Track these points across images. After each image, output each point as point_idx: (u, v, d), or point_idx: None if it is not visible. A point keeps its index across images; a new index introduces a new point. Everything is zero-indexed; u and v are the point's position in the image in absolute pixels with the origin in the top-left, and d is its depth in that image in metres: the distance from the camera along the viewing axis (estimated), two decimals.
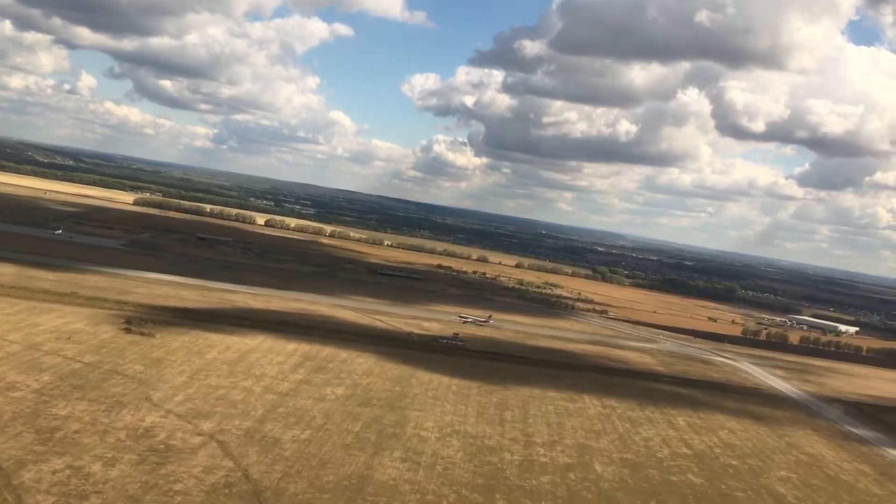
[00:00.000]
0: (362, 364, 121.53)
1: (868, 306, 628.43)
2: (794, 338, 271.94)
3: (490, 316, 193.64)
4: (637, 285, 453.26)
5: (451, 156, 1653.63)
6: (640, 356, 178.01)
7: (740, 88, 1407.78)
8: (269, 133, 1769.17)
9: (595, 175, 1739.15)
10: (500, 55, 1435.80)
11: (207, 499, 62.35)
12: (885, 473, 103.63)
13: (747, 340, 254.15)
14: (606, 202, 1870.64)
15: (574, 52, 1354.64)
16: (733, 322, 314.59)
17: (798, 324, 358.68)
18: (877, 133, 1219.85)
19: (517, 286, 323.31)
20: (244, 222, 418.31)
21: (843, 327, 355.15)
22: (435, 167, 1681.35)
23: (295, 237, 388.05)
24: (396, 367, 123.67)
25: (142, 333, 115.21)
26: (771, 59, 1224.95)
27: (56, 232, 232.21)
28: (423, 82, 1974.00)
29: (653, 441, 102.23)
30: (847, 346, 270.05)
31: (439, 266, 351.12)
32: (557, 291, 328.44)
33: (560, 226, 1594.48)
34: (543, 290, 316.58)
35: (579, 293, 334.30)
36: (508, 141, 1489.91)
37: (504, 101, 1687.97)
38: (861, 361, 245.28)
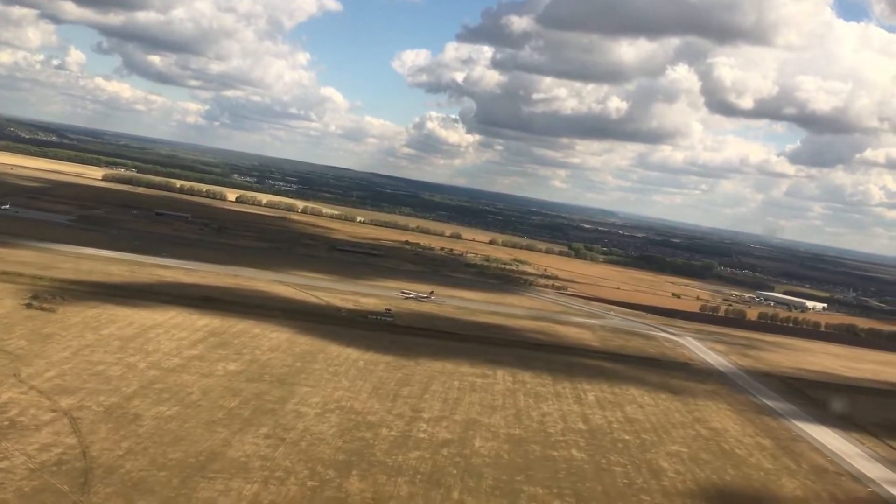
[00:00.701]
0: (273, 339, 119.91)
1: (848, 283, 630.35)
2: (752, 314, 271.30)
3: (432, 292, 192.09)
4: (611, 262, 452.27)
5: (443, 133, 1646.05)
6: (580, 332, 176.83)
7: (729, 65, 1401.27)
8: (261, 109, 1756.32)
9: (587, 152, 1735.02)
10: (488, 31, 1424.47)
11: (30, 476, 60.78)
12: (785, 447, 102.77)
13: (704, 316, 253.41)
14: (600, 179, 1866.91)
15: (562, 27, 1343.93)
16: (698, 298, 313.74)
17: (766, 300, 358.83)
18: (865, 110, 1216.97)
19: (482, 262, 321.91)
20: (214, 198, 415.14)
21: (810, 304, 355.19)
22: (428, 144, 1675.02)
23: (264, 213, 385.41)
24: (309, 342, 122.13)
25: (42, 308, 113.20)
26: (758, 35, 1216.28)
27: (3, 207, 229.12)
28: (413, 58, 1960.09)
29: (551, 416, 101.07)
30: (806, 321, 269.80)
31: (407, 242, 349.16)
32: (523, 268, 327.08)
33: (553, 203, 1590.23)
34: (507, 267, 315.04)
35: (545, 269, 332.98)
36: (500, 118, 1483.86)
37: (494, 78, 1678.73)
38: (816, 337, 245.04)
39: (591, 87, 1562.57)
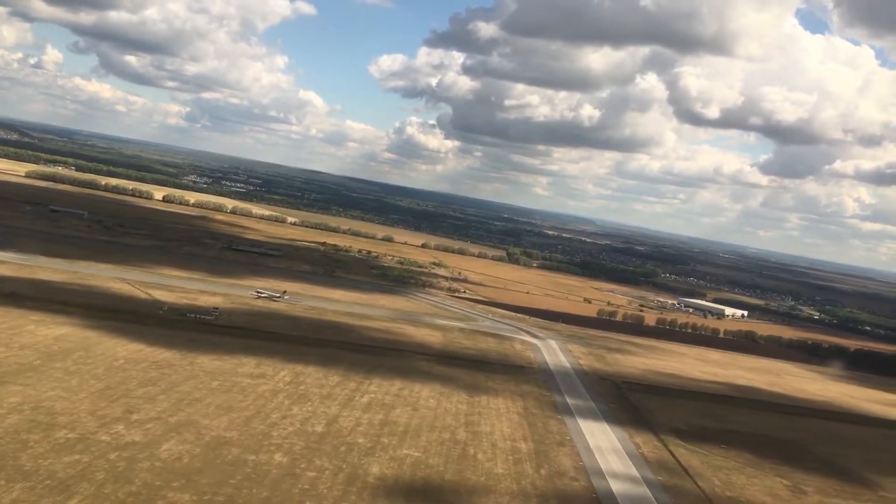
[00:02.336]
0: (40, 335, 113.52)
1: (799, 292, 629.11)
2: (651, 319, 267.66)
3: (285, 291, 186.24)
4: (545, 267, 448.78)
5: (423, 138, 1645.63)
6: (430, 333, 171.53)
7: (695, 74, 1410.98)
8: (241, 112, 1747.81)
9: (565, 160, 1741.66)
10: (457, 36, 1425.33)
11: None
12: (541, 451, 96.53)
13: (598, 321, 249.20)
14: (580, 187, 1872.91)
15: (527, 34, 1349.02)
16: (609, 303, 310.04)
17: (686, 306, 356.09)
18: (830, 121, 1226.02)
19: (395, 265, 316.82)
20: (141, 197, 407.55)
21: (729, 311, 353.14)
22: (409, 150, 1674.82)
23: (184, 212, 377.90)
24: (83, 338, 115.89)
25: None
26: (719, 46, 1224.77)
27: None
28: (389, 63, 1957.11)
29: (291, 419, 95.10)
30: (705, 328, 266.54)
31: (323, 244, 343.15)
32: (436, 271, 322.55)
33: (533, 210, 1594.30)
34: (419, 270, 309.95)
35: (460, 273, 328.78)
36: (475, 124, 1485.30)
37: (466, 84, 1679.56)
38: (708, 343, 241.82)
39: (562, 94, 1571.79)
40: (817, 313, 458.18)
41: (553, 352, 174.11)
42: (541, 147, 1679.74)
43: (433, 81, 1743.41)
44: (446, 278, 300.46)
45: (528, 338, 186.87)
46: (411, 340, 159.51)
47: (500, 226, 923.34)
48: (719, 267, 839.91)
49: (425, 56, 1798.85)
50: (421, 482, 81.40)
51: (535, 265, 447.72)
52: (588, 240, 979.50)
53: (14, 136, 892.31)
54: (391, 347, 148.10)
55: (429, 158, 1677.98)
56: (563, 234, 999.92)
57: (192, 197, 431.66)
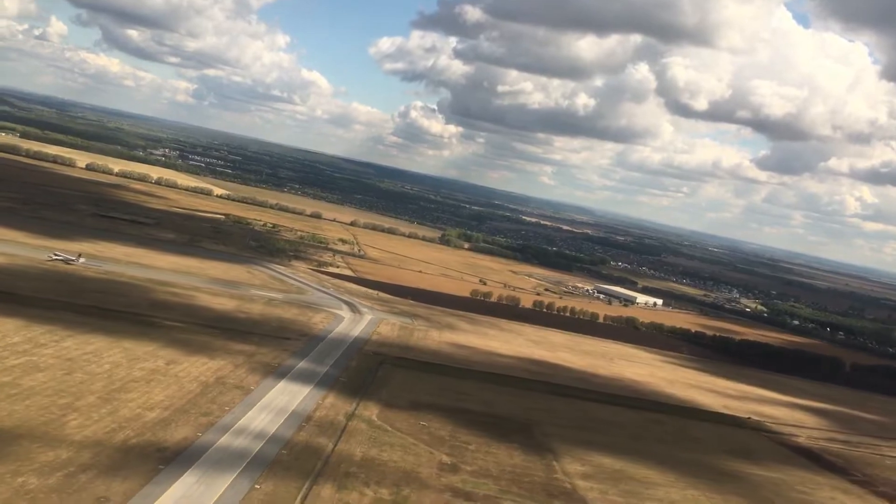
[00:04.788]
0: None
1: (758, 286, 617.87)
2: (528, 302, 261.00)
3: (80, 254, 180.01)
4: (478, 250, 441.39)
5: (425, 122, 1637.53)
6: (228, 301, 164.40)
7: (683, 65, 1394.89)
8: (244, 90, 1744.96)
9: (566, 149, 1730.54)
10: (445, 19, 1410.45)
11: None
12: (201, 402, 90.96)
13: (466, 301, 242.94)
14: (585, 178, 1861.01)
15: (511, 18, 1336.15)
16: (506, 285, 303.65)
17: (599, 292, 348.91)
18: (819, 117, 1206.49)
19: (293, 238, 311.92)
20: (60, 164, 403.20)
21: (642, 299, 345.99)
22: (413, 134, 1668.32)
23: (93, 179, 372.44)
24: None
25: None
26: (701, 37, 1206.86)
27: None
28: (388, 46, 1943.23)
29: None
30: (583, 312, 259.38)
31: (228, 216, 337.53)
32: (335, 246, 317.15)
33: (532, 199, 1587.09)
34: (307, 243, 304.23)
35: (360, 249, 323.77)
36: (473, 109, 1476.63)
37: (459, 68, 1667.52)
38: (578, 328, 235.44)
39: (556, 82, 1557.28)
40: (756, 306, 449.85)
41: (356, 324, 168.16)
42: (540, 135, 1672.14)
43: (424, 64, 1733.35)
44: (339, 253, 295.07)
45: (343, 311, 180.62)
46: (192, 304, 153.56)
47: (475, 210, 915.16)
48: (693, 259, 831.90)
49: (418, 39, 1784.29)
50: None
51: (466, 247, 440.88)
52: (567, 228, 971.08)
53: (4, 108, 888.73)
54: (155, 314, 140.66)
55: (433, 143, 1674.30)
56: (543, 222, 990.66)
57: (117, 166, 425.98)
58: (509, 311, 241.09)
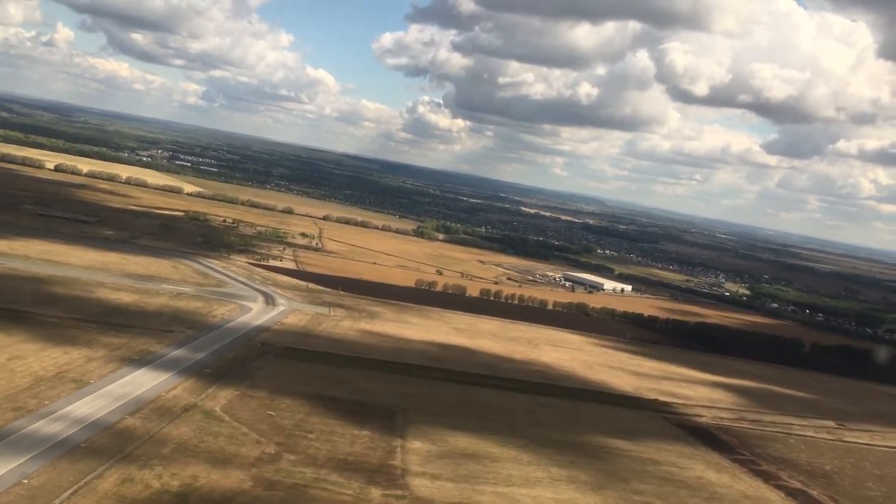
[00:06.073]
0: None
1: (756, 272, 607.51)
2: (475, 290, 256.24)
3: None
4: (453, 241, 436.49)
5: (433, 117, 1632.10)
6: (129, 295, 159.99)
7: (682, 51, 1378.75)
8: (251, 91, 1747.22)
9: (574, 140, 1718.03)
10: (438, 11, 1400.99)
11: None
12: None
13: (411, 291, 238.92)
14: (597, 168, 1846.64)
15: (504, 8, 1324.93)
16: (463, 274, 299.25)
17: (566, 280, 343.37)
18: (822, 99, 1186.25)
19: (250, 233, 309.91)
20: (27, 165, 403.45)
21: (609, 285, 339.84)
22: (421, 129, 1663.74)
23: (56, 180, 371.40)
24: None
25: None
26: (695, 21, 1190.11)
27: None
28: (390, 41, 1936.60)
29: None
30: (532, 300, 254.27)
31: (187, 213, 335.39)
32: (293, 240, 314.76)
33: (542, 190, 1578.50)
34: (260, 239, 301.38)
35: (317, 242, 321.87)
36: (477, 102, 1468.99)
37: (459, 61, 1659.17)
38: (524, 316, 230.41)
39: (557, 72, 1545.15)
40: (738, 290, 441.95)
41: (262, 315, 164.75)
42: (546, 126, 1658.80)
43: (428, 59, 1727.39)
44: (294, 246, 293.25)
45: (254, 303, 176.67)
46: (85, 299, 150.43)
47: (472, 203, 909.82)
48: (693, 246, 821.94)
49: (416, 33, 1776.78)
50: None
51: (441, 238, 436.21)
52: (567, 218, 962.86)
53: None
54: (36, 309, 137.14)
55: (443, 138, 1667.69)
56: (542, 213, 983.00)
57: (84, 167, 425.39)
58: (454, 300, 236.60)
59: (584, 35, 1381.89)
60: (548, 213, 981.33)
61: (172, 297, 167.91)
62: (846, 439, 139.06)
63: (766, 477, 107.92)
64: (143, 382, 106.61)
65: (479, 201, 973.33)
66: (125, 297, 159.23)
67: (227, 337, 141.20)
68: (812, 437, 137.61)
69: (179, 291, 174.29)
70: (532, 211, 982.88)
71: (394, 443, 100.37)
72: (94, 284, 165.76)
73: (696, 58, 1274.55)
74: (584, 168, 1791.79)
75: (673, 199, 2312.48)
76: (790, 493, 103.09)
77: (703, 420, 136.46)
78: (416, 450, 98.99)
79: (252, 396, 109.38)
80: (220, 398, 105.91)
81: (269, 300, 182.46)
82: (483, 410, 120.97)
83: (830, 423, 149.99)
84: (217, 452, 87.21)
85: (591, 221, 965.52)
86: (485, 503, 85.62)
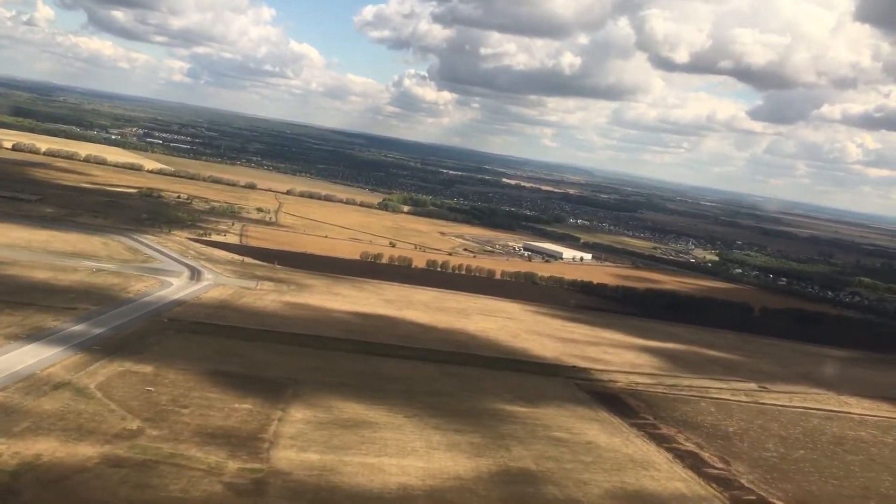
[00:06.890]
0: None
1: (732, 238, 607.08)
2: (421, 262, 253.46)
3: None
4: (417, 213, 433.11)
5: (419, 91, 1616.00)
6: (48, 272, 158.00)
7: (662, 17, 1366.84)
8: (235, 67, 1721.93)
9: (561, 110, 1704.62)
10: None
11: None
12: None
13: (358, 264, 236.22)
14: (585, 138, 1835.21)
15: None
16: (417, 246, 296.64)
17: (526, 250, 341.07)
18: (803, 63, 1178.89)
19: (202, 208, 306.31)
20: None
21: (568, 254, 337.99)
22: (408, 102, 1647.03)
23: (10, 158, 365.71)
24: None
25: None
26: None
27: None
28: (371, 14, 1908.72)
29: None
30: (480, 269, 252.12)
31: (142, 190, 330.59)
32: (246, 214, 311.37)
33: (529, 161, 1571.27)
34: (210, 213, 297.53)
35: (272, 217, 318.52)
36: (461, 74, 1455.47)
37: (440, 33, 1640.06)
38: (469, 286, 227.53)
39: (538, 42, 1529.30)
40: (705, 257, 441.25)
41: (181, 290, 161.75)
42: (532, 97, 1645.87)
43: (409, 31, 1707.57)
44: (247, 221, 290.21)
45: (178, 278, 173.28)
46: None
47: (451, 175, 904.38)
48: (672, 214, 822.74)
49: (396, 4, 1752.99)
50: None
51: (405, 210, 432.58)
52: (547, 188, 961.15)
53: None
54: None
55: (430, 111, 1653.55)
56: (522, 184, 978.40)
57: (43, 146, 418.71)
58: (398, 272, 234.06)
59: (562, 2, 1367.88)
60: (528, 185, 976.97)
61: (90, 273, 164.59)
62: (762, 401, 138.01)
63: (661, 440, 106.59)
64: (21, 360, 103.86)
65: (460, 173, 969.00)
66: (38, 275, 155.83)
67: (134, 313, 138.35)
68: (726, 399, 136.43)
69: (100, 268, 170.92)
70: (513, 182, 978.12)
71: (273, 415, 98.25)
72: (8, 263, 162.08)
73: (677, 24, 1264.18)
74: (572, 139, 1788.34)
75: (662, 167, 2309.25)
76: (679, 454, 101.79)
77: (617, 385, 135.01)
78: (294, 421, 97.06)
79: (135, 373, 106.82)
80: (98, 375, 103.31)
81: (195, 275, 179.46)
82: (381, 381, 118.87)
83: (752, 385, 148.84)
84: (73, 430, 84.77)
85: (571, 192, 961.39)
86: (346, 474, 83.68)
